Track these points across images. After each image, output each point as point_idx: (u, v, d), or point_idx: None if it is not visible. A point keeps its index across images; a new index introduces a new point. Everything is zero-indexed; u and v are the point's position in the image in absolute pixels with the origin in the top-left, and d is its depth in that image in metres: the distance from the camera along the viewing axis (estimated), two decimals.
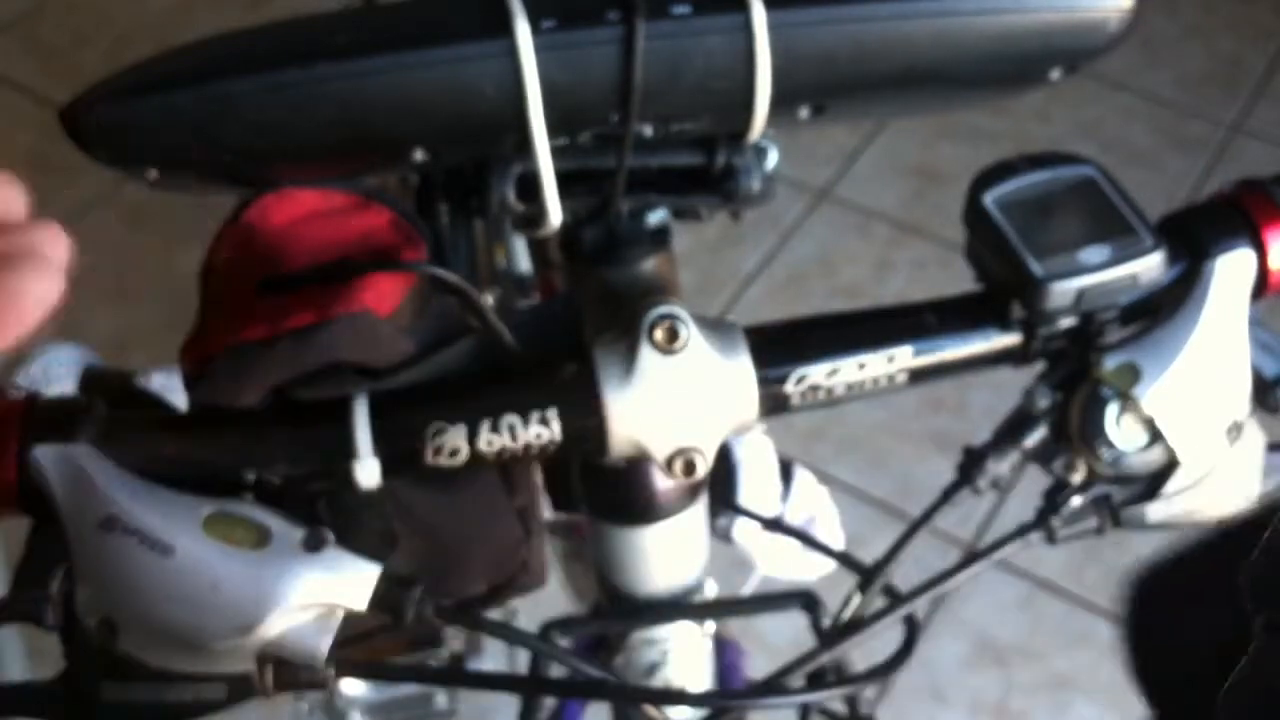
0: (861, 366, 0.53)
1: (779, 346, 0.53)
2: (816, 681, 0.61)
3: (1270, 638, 0.30)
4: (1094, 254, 0.52)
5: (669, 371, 0.49)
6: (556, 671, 0.64)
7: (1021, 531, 0.56)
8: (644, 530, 0.64)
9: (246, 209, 0.55)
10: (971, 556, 0.57)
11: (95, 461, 0.48)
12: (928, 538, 0.58)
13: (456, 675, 0.81)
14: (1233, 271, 0.54)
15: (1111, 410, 0.53)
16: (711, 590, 0.72)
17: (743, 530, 0.90)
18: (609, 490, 0.64)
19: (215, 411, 0.51)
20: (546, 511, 0.74)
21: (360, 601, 0.47)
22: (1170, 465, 0.54)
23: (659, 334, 0.49)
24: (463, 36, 0.50)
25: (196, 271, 0.55)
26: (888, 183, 2.04)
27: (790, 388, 0.52)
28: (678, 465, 0.50)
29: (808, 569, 0.92)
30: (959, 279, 0.57)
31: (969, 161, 0.55)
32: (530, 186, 0.54)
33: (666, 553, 0.66)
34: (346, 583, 0.47)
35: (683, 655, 0.71)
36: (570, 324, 0.57)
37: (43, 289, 0.37)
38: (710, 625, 0.72)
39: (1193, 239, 0.54)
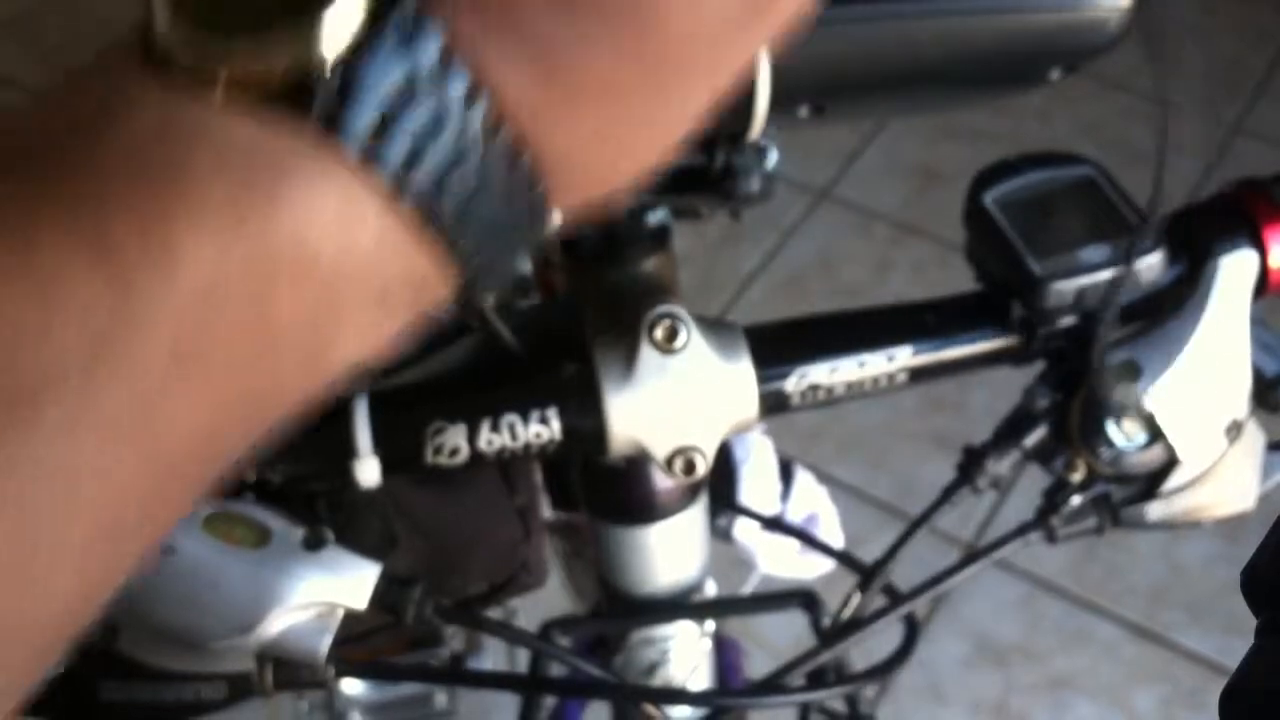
0: (861, 366, 0.53)
1: (779, 346, 0.53)
2: (816, 681, 0.61)
3: (1270, 638, 0.30)
4: (1093, 253, 0.52)
5: (669, 371, 0.49)
6: (556, 671, 0.64)
7: (1021, 531, 0.56)
8: (644, 530, 0.64)
9: None
10: (971, 556, 0.57)
11: None
12: (927, 537, 0.58)
13: (456, 675, 0.81)
14: (1234, 271, 0.54)
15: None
16: (711, 589, 0.72)
17: (743, 529, 0.90)
18: (609, 490, 0.64)
19: None
20: (546, 511, 0.74)
21: (360, 600, 0.47)
22: (1170, 464, 0.54)
23: (659, 333, 0.49)
24: None
25: None
26: (888, 183, 2.04)
27: (790, 387, 0.52)
28: (678, 465, 0.50)
29: (807, 568, 0.92)
30: (959, 279, 0.57)
31: (969, 161, 0.55)
32: None
33: (666, 552, 0.66)
34: (346, 582, 0.47)
35: (683, 654, 0.71)
36: (570, 324, 0.57)
37: None
38: (710, 624, 0.72)
39: (1194, 239, 0.54)
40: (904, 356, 0.53)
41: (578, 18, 0.22)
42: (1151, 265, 0.52)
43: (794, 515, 0.94)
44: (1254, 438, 0.55)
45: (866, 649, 0.58)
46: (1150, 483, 0.54)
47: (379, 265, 0.22)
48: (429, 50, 0.21)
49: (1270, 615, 0.31)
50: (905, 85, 0.55)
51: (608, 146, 0.24)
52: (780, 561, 0.93)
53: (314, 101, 0.21)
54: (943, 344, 0.54)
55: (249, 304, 0.21)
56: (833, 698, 0.67)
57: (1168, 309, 0.54)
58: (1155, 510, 0.55)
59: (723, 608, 0.74)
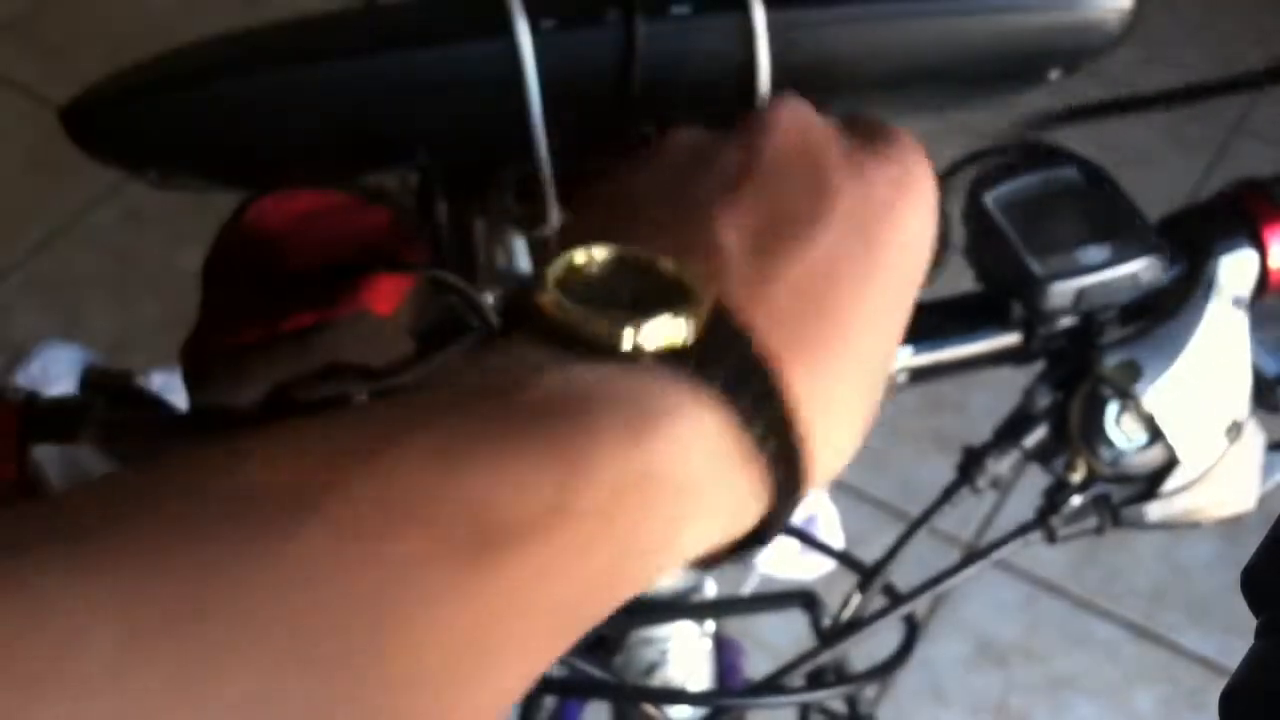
0: None
1: None
2: (816, 681, 0.61)
3: (1270, 638, 0.30)
4: (1093, 254, 0.52)
5: None
6: (556, 670, 0.64)
7: (1021, 531, 0.56)
8: None
9: (247, 208, 0.55)
10: (971, 556, 0.57)
11: (96, 461, 0.48)
12: (927, 537, 0.58)
13: None
14: (1234, 272, 0.54)
15: (1111, 409, 0.53)
16: (711, 589, 0.72)
17: None
18: None
19: (215, 412, 0.51)
20: None
21: None
22: (1170, 464, 0.54)
23: None
24: (462, 36, 0.50)
25: (196, 271, 0.55)
26: None
27: None
28: None
29: (807, 568, 0.92)
30: (959, 279, 0.57)
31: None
32: (532, 186, 0.54)
33: None
34: None
35: (682, 654, 0.71)
36: None
37: None
38: (710, 624, 0.72)
39: (1193, 239, 0.54)
40: (904, 357, 0.53)
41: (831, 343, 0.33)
42: (1151, 266, 0.52)
43: (793, 516, 0.94)
44: (1254, 438, 0.55)
45: (866, 649, 0.58)
46: (1150, 483, 0.54)
47: (721, 488, 0.30)
48: (744, 347, 0.31)
49: (1270, 615, 0.30)
50: (904, 85, 0.55)
51: (846, 434, 0.35)
52: (780, 562, 0.93)
53: (687, 364, 0.30)
54: (943, 344, 0.54)
55: (636, 505, 0.29)
56: (833, 698, 0.67)
57: (1168, 309, 0.54)
58: (1155, 511, 0.55)
59: (722, 608, 0.74)
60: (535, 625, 0.28)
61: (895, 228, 0.36)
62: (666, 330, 0.30)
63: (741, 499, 0.31)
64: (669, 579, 0.68)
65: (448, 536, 0.26)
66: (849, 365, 0.34)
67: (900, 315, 0.36)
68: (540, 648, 0.28)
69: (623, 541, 0.29)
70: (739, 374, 0.31)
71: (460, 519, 0.26)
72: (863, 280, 0.34)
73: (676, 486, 0.29)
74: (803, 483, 0.33)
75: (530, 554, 0.27)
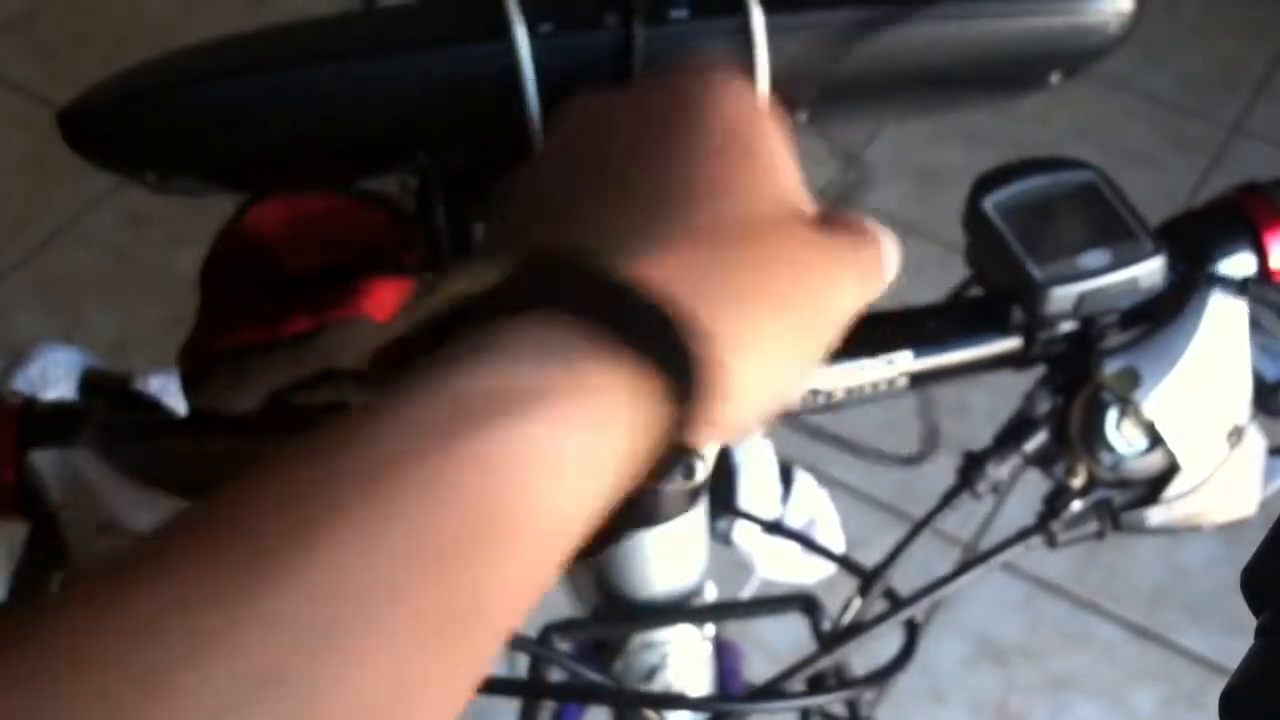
0: (861, 370, 0.53)
1: None
2: (816, 685, 0.61)
3: (1270, 638, 0.30)
4: (1094, 258, 0.52)
5: None
6: (556, 675, 0.63)
7: (1022, 536, 0.56)
8: (644, 533, 0.64)
9: (246, 211, 0.55)
10: (971, 561, 0.56)
11: (94, 466, 0.48)
12: (929, 539, 0.57)
13: None
14: (1234, 275, 0.54)
15: (1111, 414, 0.53)
16: (711, 593, 0.72)
17: (743, 533, 0.90)
18: None
19: (213, 416, 0.51)
20: None
21: None
22: (1170, 470, 0.53)
23: None
24: (461, 40, 0.50)
25: (196, 272, 0.55)
26: (888, 183, 2.04)
27: None
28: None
29: (808, 572, 0.92)
30: (959, 281, 0.57)
31: (969, 162, 0.55)
32: None
33: (666, 556, 0.66)
34: None
35: (682, 659, 0.70)
36: None
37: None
38: (710, 628, 0.72)
39: (1193, 243, 0.54)
40: (904, 361, 0.53)
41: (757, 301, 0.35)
42: (1152, 271, 0.52)
43: (794, 519, 0.94)
44: (1255, 443, 0.55)
45: (867, 651, 0.58)
46: (1151, 488, 0.54)
47: (591, 389, 0.32)
48: (649, 307, 0.33)
49: (1270, 615, 0.31)
50: (904, 89, 0.54)
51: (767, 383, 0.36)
52: (780, 565, 0.93)
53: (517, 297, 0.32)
54: (943, 348, 0.54)
55: (491, 420, 0.30)
56: (833, 702, 0.67)
57: (1168, 314, 0.54)
58: (1156, 515, 0.55)
59: (722, 612, 0.74)
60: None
61: (697, 118, 0.39)
62: (466, 279, 0.33)
63: (631, 402, 0.32)
64: (668, 583, 0.68)
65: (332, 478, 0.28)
66: (728, 255, 0.36)
67: (780, 217, 0.39)
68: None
69: (498, 461, 0.30)
70: (575, 285, 0.33)
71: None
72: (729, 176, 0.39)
73: (523, 393, 0.31)
74: (698, 373, 0.33)
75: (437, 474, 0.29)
